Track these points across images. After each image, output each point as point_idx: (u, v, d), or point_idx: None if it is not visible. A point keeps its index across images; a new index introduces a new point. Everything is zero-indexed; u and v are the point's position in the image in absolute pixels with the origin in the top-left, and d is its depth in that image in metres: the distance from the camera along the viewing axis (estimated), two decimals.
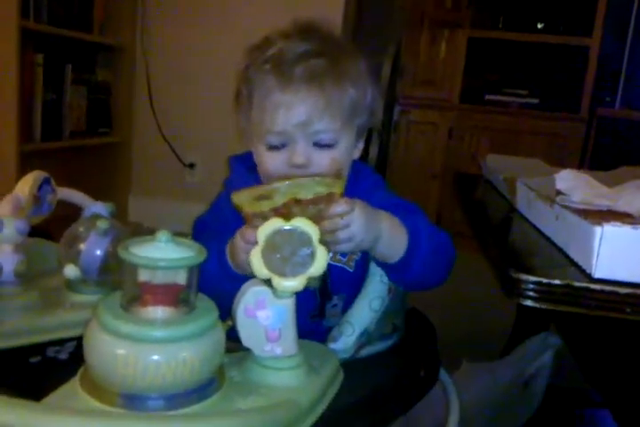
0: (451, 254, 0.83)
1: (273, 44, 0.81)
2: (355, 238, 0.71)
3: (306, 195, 0.68)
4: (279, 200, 0.68)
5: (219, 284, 0.64)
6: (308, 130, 0.78)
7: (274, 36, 0.83)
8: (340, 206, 0.68)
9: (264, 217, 0.67)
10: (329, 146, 0.80)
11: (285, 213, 0.67)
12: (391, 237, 0.75)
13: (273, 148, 0.80)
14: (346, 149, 0.82)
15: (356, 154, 0.87)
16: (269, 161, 0.81)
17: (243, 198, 0.69)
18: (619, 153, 2.98)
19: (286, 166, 0.79)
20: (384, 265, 0.79)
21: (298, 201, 0.68)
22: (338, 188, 0.69)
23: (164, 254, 0.56)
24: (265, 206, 0.68)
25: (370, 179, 0.88)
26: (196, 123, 2.84)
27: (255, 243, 0.64)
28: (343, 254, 0.83)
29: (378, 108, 0.87)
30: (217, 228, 0.82)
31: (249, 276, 0.70)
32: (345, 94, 0.80)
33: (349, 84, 0.80)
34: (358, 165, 0.88)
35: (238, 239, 0.71)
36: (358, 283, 0.82)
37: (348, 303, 0.82)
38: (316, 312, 0.83)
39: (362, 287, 0.81)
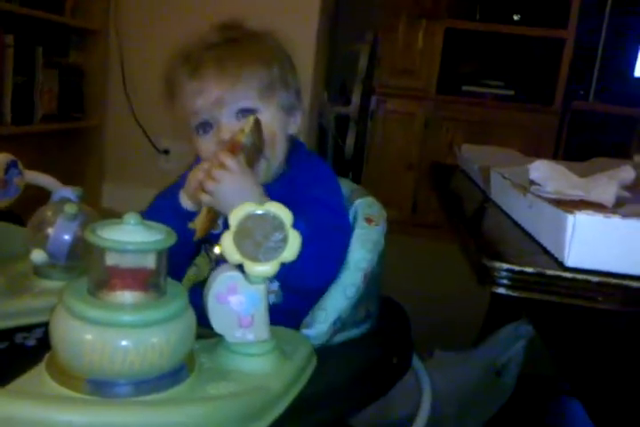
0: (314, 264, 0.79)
1: (188, 43, 0.90)
2: (217, 196, 0.77)
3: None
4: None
5: (166, 219, 0.65)
6: (224, 105, 0.84)
7: (191, 37, 0.91)
8: (225, 158, 0.77)
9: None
10: (250, 112, 0.84)
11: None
12: None
13: (202, 131, 0.86)
14: (272, 118, 0.86)
15: (293, 129, 0.92)
16: (203, 144, 0.87)
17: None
18: (592, 146, 3.02)
19: (217, 146, 0.84)
20: None
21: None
22: (238, 136, 0.80)
23: (133, 237, 0.55)
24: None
25: (315, 170, 0.92)
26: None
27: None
28: None
29: (296, 84, 0.92)
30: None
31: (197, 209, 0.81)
32: (253, 73, 0.85)
33: (256, 64, 0.86)
34: (308, 155, 0.93)
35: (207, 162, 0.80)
36: None
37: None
38: None
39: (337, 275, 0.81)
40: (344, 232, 0.84)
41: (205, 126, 0.86)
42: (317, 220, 0.80)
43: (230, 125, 0.84)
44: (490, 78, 3.25)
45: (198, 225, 0.78)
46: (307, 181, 0.88)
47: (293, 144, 0.92)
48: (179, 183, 0.89)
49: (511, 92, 3.19)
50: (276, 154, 0.87)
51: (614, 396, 0.86)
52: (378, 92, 3.17)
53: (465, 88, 3.21)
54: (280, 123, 0.88)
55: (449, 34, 3.16)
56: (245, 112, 0.85)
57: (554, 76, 3.13)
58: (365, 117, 3.19)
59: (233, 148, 0.79)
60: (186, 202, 0.84)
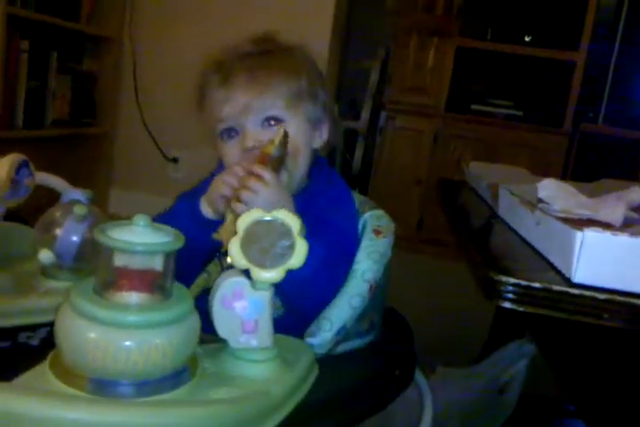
0: (323, 289, 0.80)
1: (221, 53, 0.91)
2: (252, 207, 0.74)
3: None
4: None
5: (184, 224, 0.67)
6: (250, 112, 0.84)
7: (225, 47, 0.92)
8: (263, 171, 0.77)
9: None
10: (277, 121, 0.85)
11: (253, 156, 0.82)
12: None
13: (226, 136, 0.87)
14: (297, 129, 0.86)
15: (317, 143, 0.92)
16: (227, 150, 0.87)
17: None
18: (600, 169, 3.01)
19: (241, 152, 0.85)
20: None
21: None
22: (268, 148, 0.80)
23: (142, 239, 0.55)
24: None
25: (336, 192, 0.92)
26: (181, 117, 2.81)
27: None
28: None
29: (324, 98, 0.92)
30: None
31: (216, 218, 0.81)
32: (281, 82, 0.86)
33: (285, 75, 0.87)
34: (329, 173, 0.93)
35: (231, 169, 0.81)
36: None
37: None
38: None
39: (343, 284, 0.81)
40: (349, 260, 0.83)
41: (230, 132, 0.87)
42: (331, 246, 0.80)
43: (255, 133, 0.85)
44: (499, 98, 3.26)
45: (225, 234, 0.77)
46: (327, 202, 0.88)
47: (316, 159, 0.92)
48: (199, 189, 0.89)
49: (520, 113, 3.20)
50: (297, 166, 0.87)
51: (619, 417, 0.85)
52: (387, 109, 3.19)
53: (474, 107, 3.22)
54: (305, 135, 0.88)
55: (460, 53, 3.18)
56: (271, 120, 0.85)
57: (564, 97, 3.13)
58: (374, 133, 3.20)
59: (264, 159, 0.79)
60: (206, 210, 0.84)
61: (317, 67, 0.93)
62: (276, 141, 0.81)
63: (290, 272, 0.66)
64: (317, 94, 0.90)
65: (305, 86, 0.88)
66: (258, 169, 0.78)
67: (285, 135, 0.82)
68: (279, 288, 0.74)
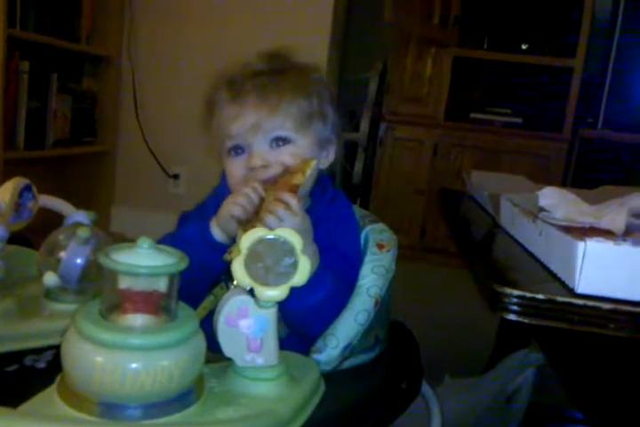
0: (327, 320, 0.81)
1: (232, 69, 0.90)
2: None
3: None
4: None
5: (194, 247, 0.67)
6: (259, 131, 0.84)
7: (236, 65, 0.91)
8: (290, 198, 0.75)
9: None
10: (285, 141, 0.85)
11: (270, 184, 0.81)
12: None
13: (234, 153, 0.86)
14: (305, 150, 0.86)
15: (324, 164, 0.91)
16: (232, 167, 0.87)
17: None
18: (600, 174, 3.01)
19: (246, 170, 0.85)
20: None
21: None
22: (297, 178, 0.79)
23: (145, 261, 0.55)
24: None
25: (339, 214, 0.91)
26: (181, 134, 2.83)
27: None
28: None
29: (334, 119, 0.91)
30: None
31: (226, 241, 0.81)
32: (292, 103, 0.85)
33: (296, 95, 0.86)
34: (333, 194, 0.92)
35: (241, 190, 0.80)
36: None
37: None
38: None
39: (348, 301, 0.81)
40: (353, 287, 0.83)
41: (237, 149, 0.86)
42: (339, 279, 0.80)
43: (262, 153, 0.84)
44: (498, 106, 3.27)
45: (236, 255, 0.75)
46: (330, 226, 0.87)
47: (320, 179, 0.91)
48: (204, 209, 0.89)
49: (519, 120, 3.21)
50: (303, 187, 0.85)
51: (627, 425, 0.85)
52: (387, 120, 3.20)
53: (473, 115, 3.23)
54: (312, 156, 0.86)
55: (457, 62, 3.20)
56: (280, 141, 0.85)
57: (562, 104, 3.14)
58: (374, 144, 3.21)
59: (292, 188, 0.78)
60: (218, 234, 0.83)
61: (329, 86, 0.93)
62: (307, 174, 0.80)
63: (297, 302, 0.67)
64: (328, 115, 0.89)
65: (316, 107, 0.87)
66: (287, 197, 0.76)
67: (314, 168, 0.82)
68: (285, 315, 0.75)
